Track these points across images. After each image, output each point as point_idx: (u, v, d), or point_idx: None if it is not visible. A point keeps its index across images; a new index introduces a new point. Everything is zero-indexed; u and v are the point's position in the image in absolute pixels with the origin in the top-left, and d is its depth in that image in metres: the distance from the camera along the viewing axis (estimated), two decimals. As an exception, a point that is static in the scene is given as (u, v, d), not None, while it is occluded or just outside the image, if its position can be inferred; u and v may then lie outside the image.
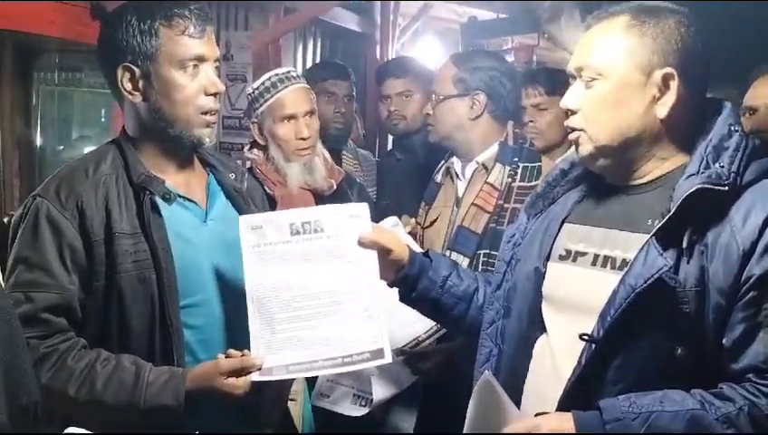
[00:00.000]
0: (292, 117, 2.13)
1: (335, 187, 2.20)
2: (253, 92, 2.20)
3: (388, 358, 1.42)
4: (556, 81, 2.42)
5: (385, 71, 2.86)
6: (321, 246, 1.41)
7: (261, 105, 2.16)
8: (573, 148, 1.37)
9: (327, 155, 2.30)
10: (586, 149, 1.31)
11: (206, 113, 1.46)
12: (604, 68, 1.27)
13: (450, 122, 2.09)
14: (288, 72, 2.21)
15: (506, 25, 5.15)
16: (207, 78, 1.45)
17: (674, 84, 1.24)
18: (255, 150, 2.22)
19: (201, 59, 1.44)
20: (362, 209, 1.45)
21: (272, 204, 2.08)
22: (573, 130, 1.32)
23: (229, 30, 4.73)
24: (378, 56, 5.04)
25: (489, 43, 5.00)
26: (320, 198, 2.17)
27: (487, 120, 2.11)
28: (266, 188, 2.11)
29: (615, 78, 1.26)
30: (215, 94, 1.46)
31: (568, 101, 1.32)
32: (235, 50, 4.61)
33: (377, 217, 2.19)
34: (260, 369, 1.35)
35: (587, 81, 1.29)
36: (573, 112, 1.31)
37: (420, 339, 1.93)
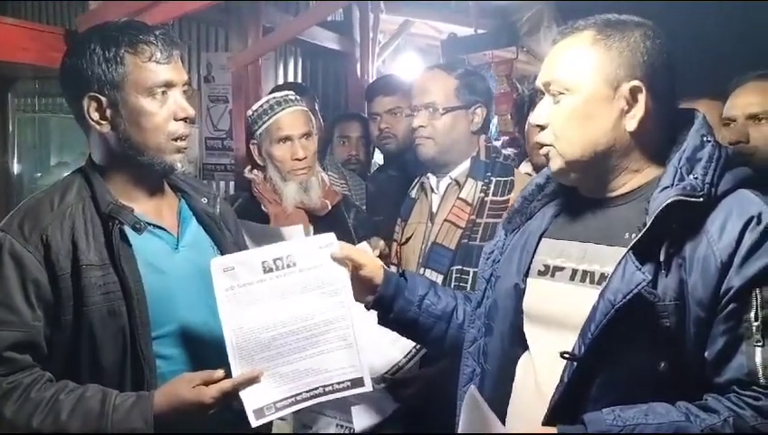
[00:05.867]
0: (287, 138, 2.17)
1: (330, 207, 2.22)
2: (252, 115, 2.24)
3: (368, 386, 1.43)
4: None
5: (374, 89, 2.90)
6: (294, 281, 1.40)
7: (259, 127, 2.21)
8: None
9: (325, 177, 2.33)
10: (556, 164, 1.30)
11: (176, 139, 1.44)
12: (571, 83, 1.26)
13: (452, 136, 2.06)
14: (286, 95, 2.25)
15: (486, 40, 5.20)
16: (176, 103, 1.43)
17: (642, 97, 1.24)
18: (255, 171, 2.27)
19: (169, 85, 1.42)
20: (331, 239, 1.45)
21: (266, 221, 2.14)
22: (542, 145, 1.32)
23: (209, 51, 4.74)
24: (359, 74, 5.05)
25: (469, 57, 5.03)
26: (314, 218, 2.19)
27: (476, 134, 2.11)
28: (262, 206, 2.17)
29: (582, 93, 1.26)
30: (185, 119, 1.44)
31: (536, 116, 1.32)
32: (216, 71, 4.62)
33: (368, 233, 2.20)
34: (255, 410, 1.36)
35: (554, 96, 1.29)
36: (542, 128, 1.31)
37: (401, 364, 1.90)
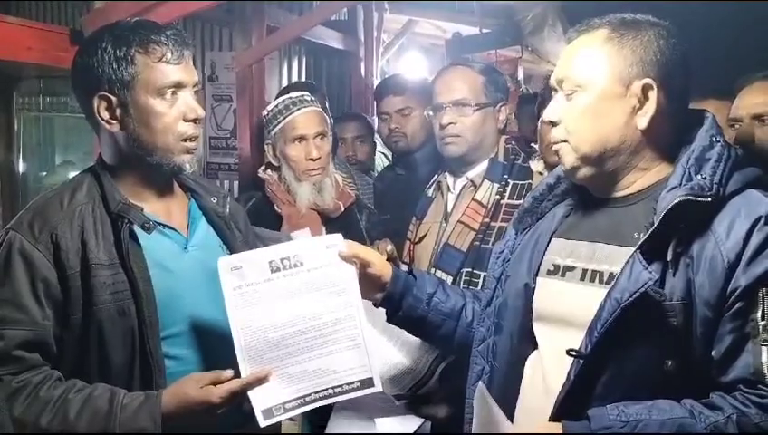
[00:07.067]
0: (302, 138, 2.18)
1: (343, 209, 2.22)
2: (267, 115, 2.25)
3: (378, 386, 1.42)
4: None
5: (383, 88, 2.91)
6: (302, 281, 1.40)
7: (274, 127, 2.22)
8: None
9: (339, 178, 2.33)
10: (568, 159, 1.31)
11: (186, 140, 1.44)
12: (584, 80, 1.27)
13: (481, 134, 2.03)
14: (302, 95, 2.26)
15: (490, 39, 5.22)
16: (186, 104, 1.43)
17: (653, 95, 1.25)
18: (269, 171, 2.28)
19: (179, 85, 1.42)
20: (337, 239, 1.45)
21: (279, 222, 2.14)
22: (556, 142, 1.32)
23: (214, 50, 4.74)
24: (363, 73, 5.05)
25: (474, 57, 5.04)
26: (327, 219, 2.19)
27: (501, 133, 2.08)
28: (275, 207, 2.18)
29: (595, 89, 1.27)
30: (194, 120, 1.44)
31: (549, 113, 1.33)
32: (220, 70, 4.62)
33: (380, 235, 2.17)
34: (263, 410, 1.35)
35: (567, 93, 1.30)
36: (555, 124, 1.32)
37: (413, 374, 1.78)
